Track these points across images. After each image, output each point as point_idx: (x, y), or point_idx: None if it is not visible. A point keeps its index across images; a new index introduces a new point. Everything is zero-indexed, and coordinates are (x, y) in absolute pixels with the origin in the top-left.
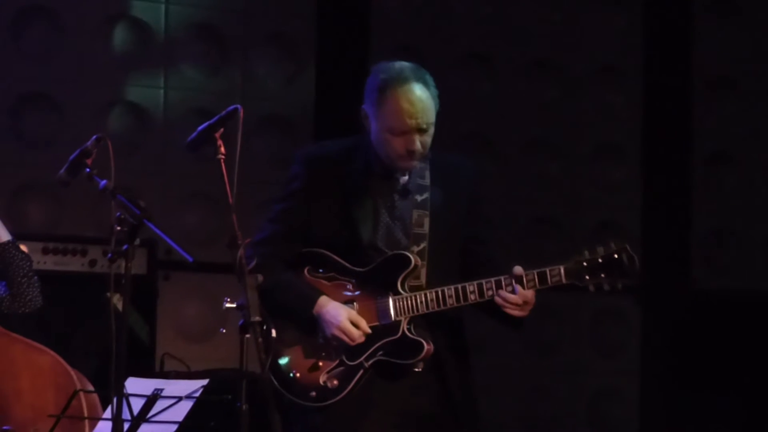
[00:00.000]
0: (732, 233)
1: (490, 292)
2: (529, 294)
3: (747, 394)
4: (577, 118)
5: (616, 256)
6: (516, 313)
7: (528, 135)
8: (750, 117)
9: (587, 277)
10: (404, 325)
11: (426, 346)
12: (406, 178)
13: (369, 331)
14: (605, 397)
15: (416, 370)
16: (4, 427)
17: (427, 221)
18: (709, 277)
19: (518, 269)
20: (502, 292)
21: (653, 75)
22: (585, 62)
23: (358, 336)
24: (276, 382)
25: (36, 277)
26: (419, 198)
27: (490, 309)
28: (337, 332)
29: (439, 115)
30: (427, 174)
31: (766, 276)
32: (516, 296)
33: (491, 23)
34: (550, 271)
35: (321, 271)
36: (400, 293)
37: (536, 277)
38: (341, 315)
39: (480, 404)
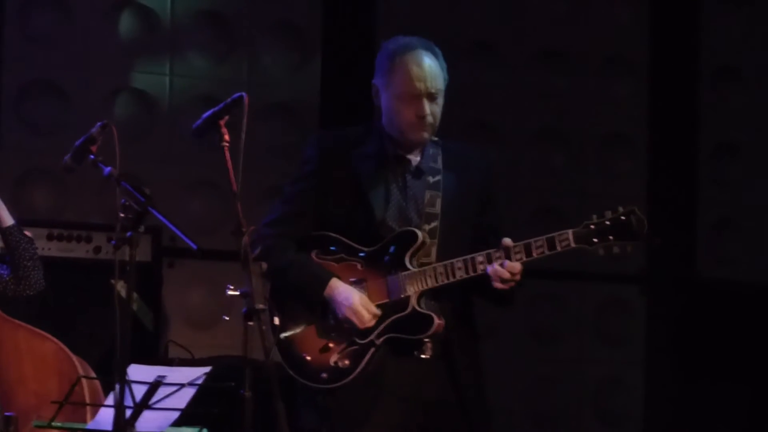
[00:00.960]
0: (737, 224)
1: (499, 261)
2: (517, 267)
3: (752, 384)
4: (583, 108)
5: (623, 218)
6: (500, 286)
7: (534, 125)
8: (756, 107)
9: (596, 240)
10: (414, 301)
11: (436, 320)
12: (419, 159)
13: (377, 312)
14: (609, 387)
15: (424, 356)
16: (8, 413)
17: (439, 201)
18: (714, 267)
19: (507, 241)
20: (497, 267)
21: (660, 65)
22: (591, 52)
23: (368, 320)
24: (287, 366)
25: (39, 260)
26: (432, 179)
27: (486, 289)
28: (348, 313)
29: (445, 103)
30: (440, 159)
31: None
32: (504, 270)
33: (497, 12)
34: (558, 235)
35: (329, 253)
36: (408, 269)
37: (545, 242)
38: (352, 297)
39: (488, 393)
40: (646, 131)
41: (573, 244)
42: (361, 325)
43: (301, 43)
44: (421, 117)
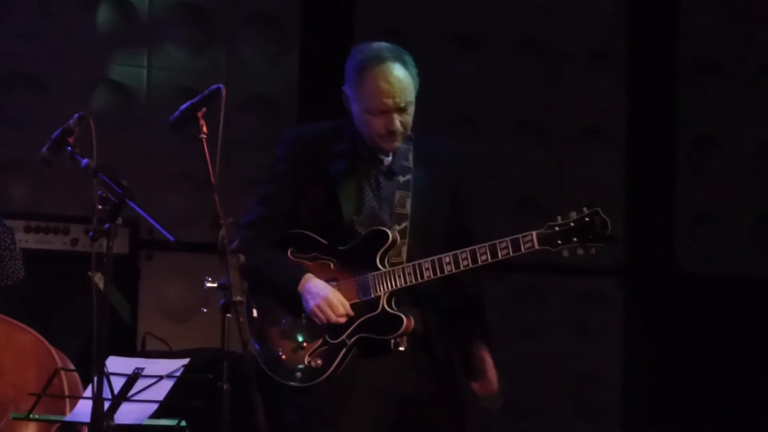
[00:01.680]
0: (715, 217)
1: (465, 262)
2: (493, 377)
3: (730, 376)
4: (562, 100)
5: (587, 219)
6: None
7: (513, 117)
8: (735, 101)
9: (559, 242)
10: (383, 301)
11: (405, 321)
12: (390, 159)
13: (351, 312)
14: (588, 380)
15: (401, 348)
16: None
17: (408, 201)
18: (693, 260)
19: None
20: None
21: (639, 58)
22: (571, 45)
23: (341, 313)
24: (263, 365)
25: (18, 249)
26: (402, 179)
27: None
28: (322, 304)
29: (424, 95)
30: (411, 155)
31: (749, 259)
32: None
33: (477, 4)
34: (522, 237)
35: (304, 251)
36: (379, 269)
37: (510, 244)
38: (323, 292)
39: (464, 386)
40: (624, 124)
41: (537, 246)
42: (333, 317)
43: (280, 35)
44: (392, 131)
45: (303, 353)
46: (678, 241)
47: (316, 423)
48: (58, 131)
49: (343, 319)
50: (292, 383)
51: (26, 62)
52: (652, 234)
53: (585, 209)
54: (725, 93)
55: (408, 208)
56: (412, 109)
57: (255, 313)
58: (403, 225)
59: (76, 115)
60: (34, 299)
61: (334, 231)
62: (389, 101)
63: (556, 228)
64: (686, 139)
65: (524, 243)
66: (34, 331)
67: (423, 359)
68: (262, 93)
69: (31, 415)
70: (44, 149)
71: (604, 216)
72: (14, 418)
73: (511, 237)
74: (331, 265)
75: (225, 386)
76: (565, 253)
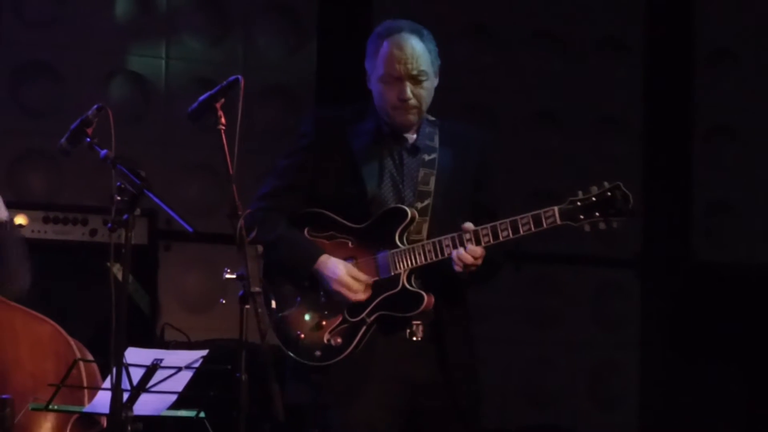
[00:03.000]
0: (732, 207)
1: (486, 239)
2: (479, 251)
3: (746, 366)
4: (578, 90)
5: (609, 194)
6: (459, 270)
7: (529, 107)
8: (751, 90)
9: (581, 217)
10: (404, 278)
11: (426, 298)
12: (415, 137)
13: (370, 281)
14: (606, 370)
15: (414, 339)
16: (4, 396)
17: (433, 179)
18: (710, 249)
19: (468, 226)
20: (461, 251)
21: (655, 47)
22: (587, 34)
23: (357, 288)
24: (281, 344)
25: (28, 260)
26: (427, 157)
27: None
28: (336, 286)
29: (440, 86)
30: (437, 137)
31: (766, 249)
32: (467, 255)
33: None
34: (544, 212)
35: (321, 230)
36: (398, 246)
37: (531, 219)
38: (340, 269)
39: (480, 377)
40: (641, 113)
41: (559, 221)
42: (352, 296)
43: (297, 25)
44: (403, 100)
45: (322, 332)
46: (695, 231)
47: (329, 402)
48: (76, 122)
49: (362, 295)
50: (312, 362)
51: (44, 52)
52: (669, 224)
53: (606, 184)
54: (742, 82)
55: (432, 186)
56: (428, 84)
57: (274, 304)
58: (426, 202)
59: (95, 106)
60: (53, 290)
61: (354, 207)
62: (400, 67)
63: (578, 203)
64: (703, 128)
65: (546, 218)
66: (51, 322)
67: (438, 350)
68: (280, 83)
69: (50, 406)
70: (63, 140)
71: (626, 190)
72: (33, 409)
73: (532, 212)
74: (349, 244)
75: (243, 377)
76: (587, 228)
